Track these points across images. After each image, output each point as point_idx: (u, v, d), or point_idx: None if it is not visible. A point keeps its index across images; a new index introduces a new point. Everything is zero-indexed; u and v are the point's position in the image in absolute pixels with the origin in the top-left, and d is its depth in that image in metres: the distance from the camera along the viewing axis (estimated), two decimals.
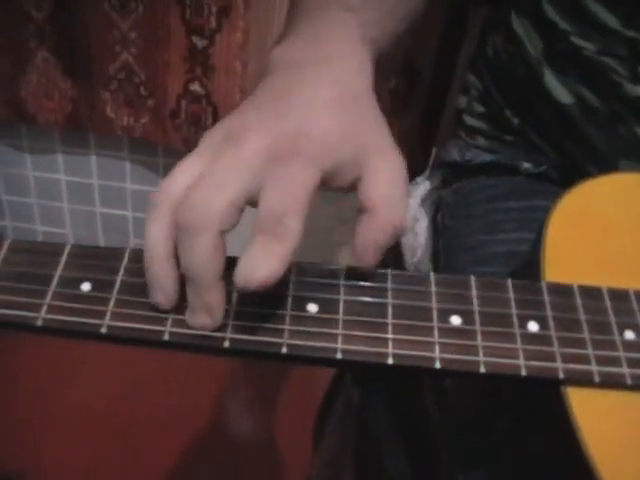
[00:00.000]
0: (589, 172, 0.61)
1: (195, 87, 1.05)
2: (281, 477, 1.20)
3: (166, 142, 1.12)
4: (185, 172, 0.39)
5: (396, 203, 0.39)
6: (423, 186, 0.79)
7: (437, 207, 0.75)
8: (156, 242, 0.38)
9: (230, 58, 1.01)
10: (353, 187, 0.41)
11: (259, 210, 0.37)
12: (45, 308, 0.38)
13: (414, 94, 0.99)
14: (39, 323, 0.38)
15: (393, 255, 0.80)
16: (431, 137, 0.96)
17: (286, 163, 0.37)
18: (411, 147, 1.01)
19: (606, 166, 0.60)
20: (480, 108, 0.72)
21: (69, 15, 1.05)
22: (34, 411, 1.26)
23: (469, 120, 0.73)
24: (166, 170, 1.24)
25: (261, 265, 0.35)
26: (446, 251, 0.68)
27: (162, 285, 0.38)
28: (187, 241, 0.37)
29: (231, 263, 0.37)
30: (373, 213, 0.39)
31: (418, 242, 0.77)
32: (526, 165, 0.67)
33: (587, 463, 0.37)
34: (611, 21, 0.57)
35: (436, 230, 0.74)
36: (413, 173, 0.82)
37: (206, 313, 0.38)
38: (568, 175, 0.63)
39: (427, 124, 0.98)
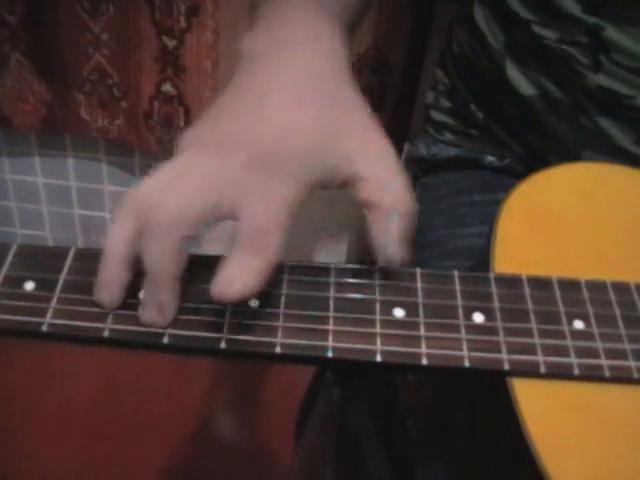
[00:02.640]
0: (552, 164, 0.61)
1: (167, 87, 1.04)
2: (264, 476, 1.20)
3: (140, 143, 1.12)
4: (159, 178, 0.38)
5: (395, 190, 0.39)
6: None
7: None
8: (117, 243, 0.38)
9: (200, 58, 1.00)
10: (345, 184, 0.40)
11: (240, 223, 0.37)
12: None
13: (387, 91, 0.98)
14: None
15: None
16: (402, 134, 0.95)
17: (268, 178, 0.37)
18: None
19: (569, 157, 0.60)
20: (447, 103, 0.72)
21: (42, 18, 1.04)
22: (16, 414, 1.25)
23: (436, 115, 0.73)
24: (143, 171, 1.24)
25: (238, 279, 0.36)
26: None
27: (110, 286, 0.38)
28: (150, 240, 0.37)
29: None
30: (376, 208, 0.39)
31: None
32: (490, 159, 0.67)
33: (533, 456, 0.36)
34: (572, 7, 0.57)
35: None
36: None
37: (157, 311, 0.38)
38: (532, 168, 0.62)
39: (398, 121, 0.98)
